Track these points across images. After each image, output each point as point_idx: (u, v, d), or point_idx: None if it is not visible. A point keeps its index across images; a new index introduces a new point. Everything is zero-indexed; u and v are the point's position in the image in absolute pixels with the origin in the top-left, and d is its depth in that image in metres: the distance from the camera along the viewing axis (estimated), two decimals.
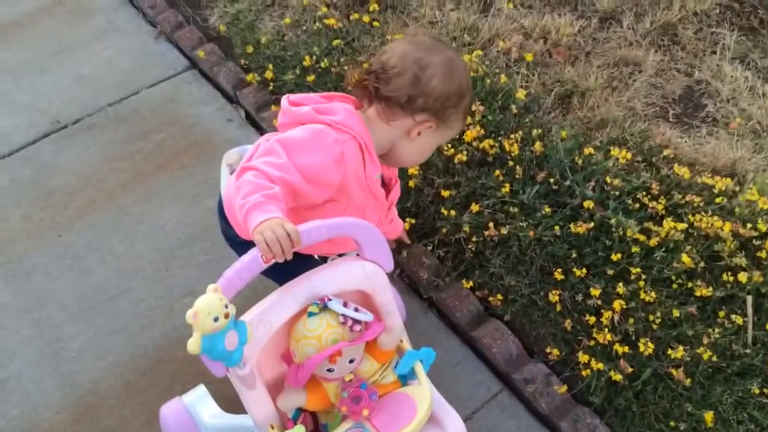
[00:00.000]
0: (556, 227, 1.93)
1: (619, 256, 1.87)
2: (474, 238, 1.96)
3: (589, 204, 1.96)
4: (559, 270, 1.86)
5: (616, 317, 1.78)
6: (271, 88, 2.55)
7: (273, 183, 1.35)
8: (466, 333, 1.93)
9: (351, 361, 1.33)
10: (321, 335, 1.28)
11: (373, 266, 1.40)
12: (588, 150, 2.11)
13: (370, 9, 2.70)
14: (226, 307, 1.20)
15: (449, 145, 2.12)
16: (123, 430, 1.80)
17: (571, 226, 1.93)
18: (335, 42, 2.54)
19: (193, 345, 1.18)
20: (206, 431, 1.63)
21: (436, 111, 1.51)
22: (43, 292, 2.10)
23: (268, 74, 2.54)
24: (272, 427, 1.35)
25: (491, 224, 1.94)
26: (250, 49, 2.68)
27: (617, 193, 2.00)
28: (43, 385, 1.90)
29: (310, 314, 1.30)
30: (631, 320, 1.78)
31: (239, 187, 1.34)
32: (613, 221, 1.92)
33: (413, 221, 2.06)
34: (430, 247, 2.04)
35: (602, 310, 1.79)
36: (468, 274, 1.97)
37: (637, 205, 1.99)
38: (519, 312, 1.89)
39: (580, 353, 1.74)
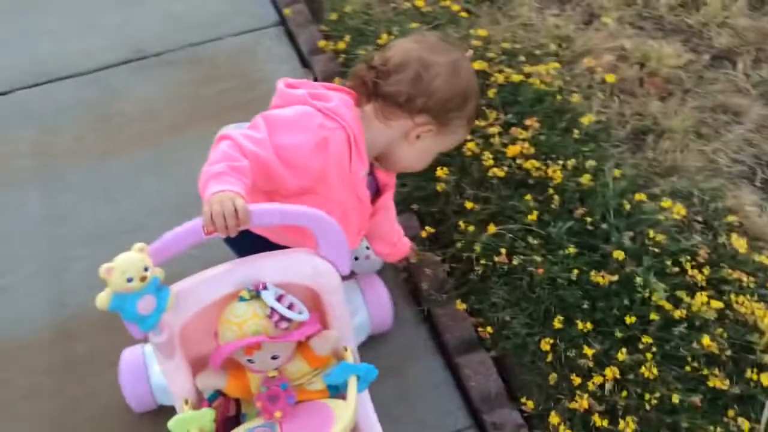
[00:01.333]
0: (575, 270, 1.75)
1: (633, 319, 1.67)
2: (483, 261, 1.81)
3: (619, 254, 1.76)
4: (560, 318, 1.68)
5: (608, 385, 1.59)
6: (341, 59, 2.48)
7: (244, 156, 1.29)
8: (452, 357, 1.80)
9: (274, 358, 1.25)
10: (243, 323, 1.21)
11: (326, 265, 1.30)
12: (640, 196, 1.89)
13: None
14: (146, 270, 1.15)
15: (489, 156, 1.97)
16: (92, 362, 1.82)
17: (592, 273, 1.74)
18: (413, 25, 2.43)
19: (102, 300, 1.14)
20: (151, 386, 1.61)
21: (437, 114, 1.41)
22: (68, 211, 2.16)
23: (341, 45, 2.47)
24: (186, 403, 1.31)
25: (504, 251, 1.79)
26: (334, 16, 2.62)
27: (657, 250, 1.79)
28: (36, 300, 1.96)
29: (241, 299, 1.24)
30: (624, 393, 1.59)
31: (210, 154, 1.30)
32: (639, 279, 1.71)
33: (433, 230, 1.94)
34: (441, 259, 1.91)
35: (593, 374, 1.60)
36: (468, 296, 1.83)
37: (677, 269, 1.77)
38: (509, 350, 1.73)
39: (553, 413, 1.56)
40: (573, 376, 1.60)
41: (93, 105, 2.48)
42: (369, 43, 2.45)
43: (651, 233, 1.81)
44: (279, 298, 1.23)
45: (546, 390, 1.65)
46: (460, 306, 1.79)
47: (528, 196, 1.89)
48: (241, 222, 1.20)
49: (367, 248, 1.93)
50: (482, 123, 2.06)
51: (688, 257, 1.78)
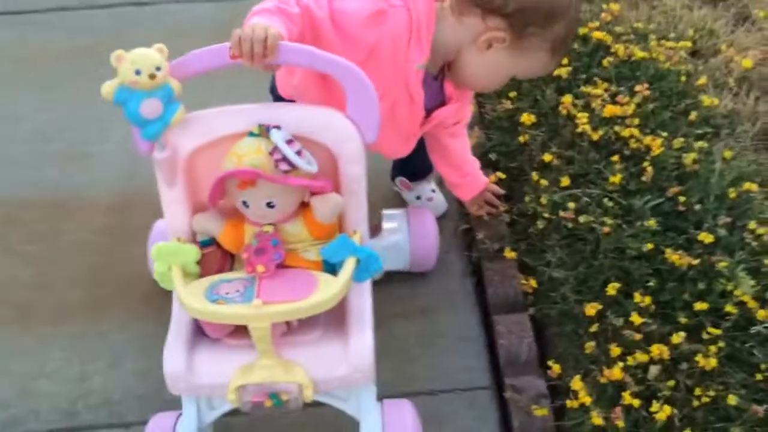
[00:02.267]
0: (649, 245, 1.52)
1: (705, 306, 1.41)
2: (547, 215, 1.62)
3: (707, 237, 1.51)
4: (616, 285, 1.45)
5: (654, 369, 1.34)
6: None
7: (299, 5, 1.24)
8: (489, 314, 1.62)
9: (270, 205, 1.16)
10: (243, 156, 1.13)
11: (351, 127, 1.20)
12: (750, 185, 1.62)
13: None
14: (158, 69, 1.11)
15: (585, 117, 1.78)
16: (138, 233, 1.81)
17: (668, 251, 1.50)
18: None
19: (106, 87, 1.12)
20: None
21: (514, 22, 1.27)
22: None
23: None
24: (178, 240, 1.25)
25: (572, 205, 1.59)
26: None
27: (757, 246, 1.52)
28: (109, 170, 2.02)
29: (250, 134, 1.16)
30: (672, 382, 1.33)
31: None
32: (724, 268, 1.45)
33: (503, 176, 1.78)
34: (505, 210, 1.74)
35: (637, 350, 1.36)
36: (522, 251, 1.64)
37: None
38: (553, 316, 1.53)
39: (576, 378, 1.34)
40: (613, 346, 1.36)
41: None
42: None
43: (752, 225, 1.54)
44: (288, 142, 1.15)
45: (580, 360, 1.43)
46: (509, 254, 1.61)
47: (616, 157, 1.68)
48: (269, 51, 1.13)
49: (433, 191, 1.82)
50: (587, 89, 1.88)
51: None
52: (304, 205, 1.21)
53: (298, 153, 1.14)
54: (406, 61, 1.32)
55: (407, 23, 1.29)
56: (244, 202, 1.17)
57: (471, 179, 1.69)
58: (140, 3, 2.66)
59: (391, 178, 1.83)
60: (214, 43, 1.18)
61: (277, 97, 1.51)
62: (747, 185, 1.63)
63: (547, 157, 1.72)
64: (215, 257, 1.26)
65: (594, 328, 1.44)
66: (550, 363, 1.44)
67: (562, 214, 1.59)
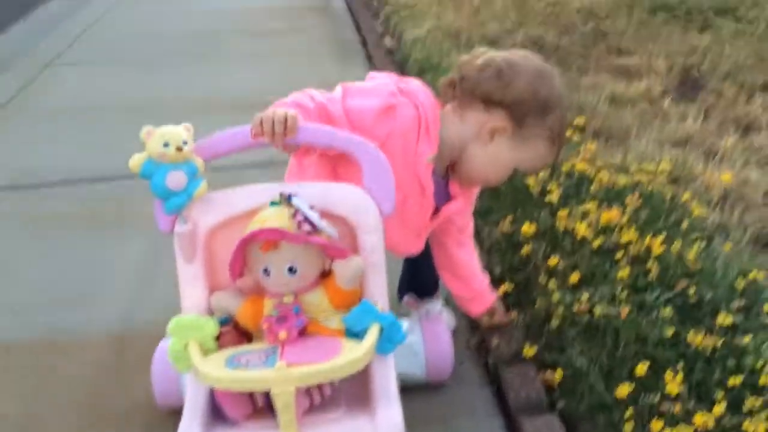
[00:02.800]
0: (670, 329, 1.49)
1: (739, 380, 1.36)
2: (561, 311, 1.60)
3: (726, 319, 1.49)
4: (645, 364, 1.40)
5: None
6: None
7: (315, 104, 1.31)
8: (515, 419, 1.53)
9: (292, 271, 1.15)
10: (267, 219, 1.15)
11: (368, 200, 1.23)
12: (756, 274, 1.64)
13: None
14: (185, 143, 1.16)
15: (583, 225, 1.83)
16: (135, 367, 1.73)
17: (690, 335, 1.48)
18: None
19: (134, 160, 1.16)
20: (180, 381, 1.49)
21: (514, 112, 1.37)
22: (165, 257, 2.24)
23: None
24: None
25: (585, 296, 1.58)
26: None
27: None
28: (109, 311, 1.98)
29: (272, 204, 1.18)
30: None
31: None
32: (747, 341, 1.42)
33: (512, 286, 1.78)
34: (517, 319, 1.72)
35: (679, 423, 1.28)
36: (541, 350, 1.60)
37: None
38: (583, 411, 1.45)
39: None
40: (654, 422, 1.28)
41: None
42: None
43: (767, 308, 1.54)
44: (310, 208, 1.17)
45: None
46: (528, 351, 1.56)
47: (619, 255, 1.71)
48: (289, 130, 1.19)
49: (440, 308, 1.81)
50: (580, 208, 1.96)
51: None
52: (324, 276, 1.20)
53: (320, 218, 1.16)
54: (416, 154, 1.38)
55: (416, 117, 1.37)
56: (266, 270, 1.16)
57: (480, 294, 1.68)
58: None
59: (398, 296, 1.82)
60: None
61: None
62: (753, 274, 1.65)
63: (552, 261, 1.74)
64: (232, 337, 1.21)
65: (629, 412, 1.36)
66: None
67: (576, 308, 1.58)
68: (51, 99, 3.60)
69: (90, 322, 1.93)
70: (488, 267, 1.91)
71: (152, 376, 1.54)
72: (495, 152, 1.41)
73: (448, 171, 1.49)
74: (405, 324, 1.59)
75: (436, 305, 1.80)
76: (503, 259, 1.91)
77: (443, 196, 1.51)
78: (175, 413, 1.53)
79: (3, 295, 2.06)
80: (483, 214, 2.13)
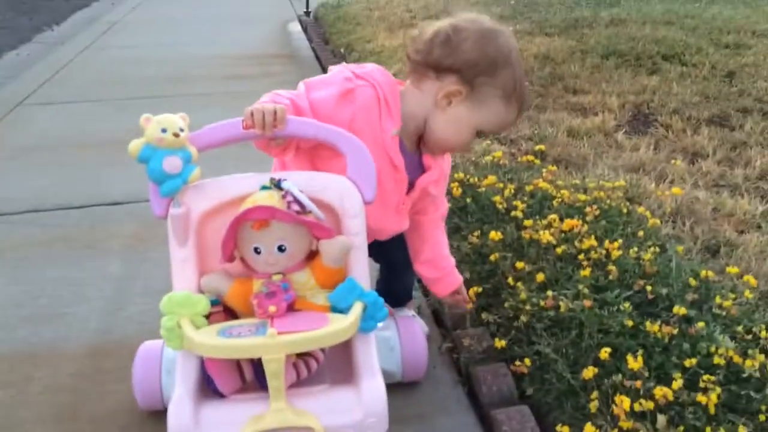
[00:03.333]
0: (630, 321, 1.59)
1: (694, 361, 1.46)
2: (528, 307, 1.70)
3: (680, 310, 1.60)
4: (608, 349, 1.49)
5: (661, 419, 1.34)
6: None
7: (287, 99, 1.39)
8: (487, 412, 1.60)
9: (281, 249, 1.22)
10: (258, 200, 1.22)
11: (352, 187, 1.32)
12: (707, 272, 1.76)
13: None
14: (181, 130, 1.24)
15: (547, 234, 1.95)
16: (113, 374, 1.77)
17: (648, 323, 1.58)
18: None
19: (134, 145, 1.23)
20: (161, 383, 1.54)
21: (465, 75, 1.42)
22: (142, 274, 2.28)
23: None
24: None
25: (550, 293, 1.68)
26: None
27: (728, 321, 1.61)
28: (87, 326, 2.01)
29: (263, 188, 1.26)
30: (681, 428, 1.32)
31: None
32: (701, 326, 1.53)
33: (480, 290, 1.87)
34: (486, 321, 1.80)
35: (642, 399, 1.36)
36: (510, 344, 1.68)
37: (750, 336, 1.57)
38: (551, 400, 1.53)
39: (588, 425, 1.32)
40: (618, 396, 1.37)
41: None
42: None
43: (718, 300, 1.66)
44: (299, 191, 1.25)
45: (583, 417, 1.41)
46: (499, 344, 1.64)
47: (582, 256, 1.82)
48: (278, 121, 1.28)
49: (413, 316, 1.88)
50: (544, 221, 2.08)
51: (763, 326, 1.59)
52: (311, 256, 1.27)
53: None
54: (382, 131, 1.45)
55: (374, 96, 1.45)
56: (256, 249, 1.23)
57: (448, 274, 1.72)
58: (113, 203, 2.82)
59: None
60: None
61: None
62: (704, 273, 1.77)
63: (519, 264, 1.84)
64: (221, 317, 1.27)
65: (594, 395, 1.44)
66: (558, 427, 1.41)
67: (542, 303, 1.67)
68: (20, 137, 3.62)
69: (68, 335, 1.96)
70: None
71: (133, 377, 1.57)
72: (454, 117, 1.46)
73: (419, 145, 1.55)
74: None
75: (408, 313, 1.88)
76: (472, 268, 2.00)
77: (417, 170, 1.56)
78: (154, 417, 1.58)
79: None
80: (452, 231, 2.23)
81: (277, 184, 1.25)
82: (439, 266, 1.70)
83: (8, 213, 2.74)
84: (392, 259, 1.74)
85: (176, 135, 1.23)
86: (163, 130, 1.22)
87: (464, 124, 1.48)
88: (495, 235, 1.96)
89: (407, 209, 1.58)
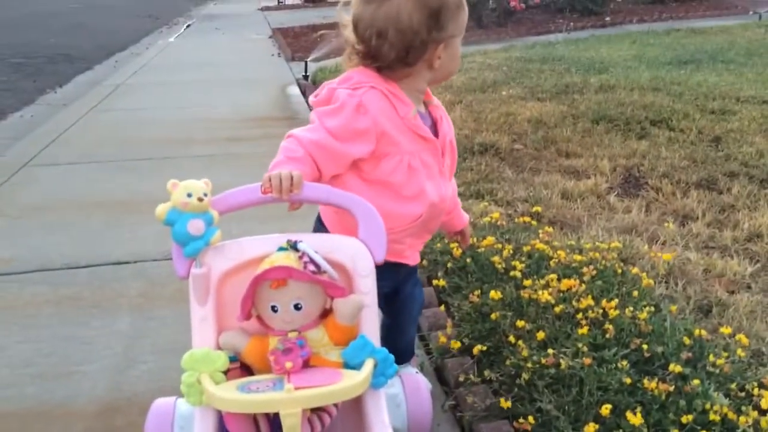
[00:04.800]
0: (628, 380, 1.65)
1: (690, 417, 1.51)
2: (530, 365, 1.75)
3: (676, 368, 1.66)
4: (608, 406, 1.55)
5: None
6: None
7: (302, 147, 1.47)
8: None
9: (297, 307, 1.29)
10: (275, 260, 1.30)
11: (363, 248, 1.40)
12: (700, 331, 1.83)
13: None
14: (205, 195, 1.32)
15: (546, 294, 2.02)
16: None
17: (645, 381, 1.64)
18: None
19: (161, 209, 1.30)
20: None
21: (435, 37, 1.49)
22: (149, 332, 2.33)
23: None
24: None
25: (551, 351, 1.74)
26: None
27: (721, 378, 1.68)
28: (97, 383, 2.06)
29: (280, 249, 1.34)
30: None
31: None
32: (696, 383, 1.59)
33: (484, 348, 1.92)
34: (489, 378, 1.86)
35: None
36: (513, 402, 1.73)
37: (743, 394, 1.63)
38: None
39: None
40: None
41: None
42: None
43: (711, 358, 1.72)
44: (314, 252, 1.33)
45: None
46: (504, 404, 1.69)
47: (580, 316, 1.88)
48: (294, 186, 1.37)
49: (417, 373, 1.93)
50: (542, 281, 2.15)
51: (755, 384, 1.65)
52: (325, 314, 1.34)
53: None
54: (402, 118, 1.53)
55: (380, 94, 1.52)
56: (273, 307, 1.30)
57: (455, 215, 1.80)
58: (119, 262, 2.88)
59: None
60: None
61: (320, 223, 1.67)
62: (698, 332, 1.84)
63: (519, 323, 1.91)
64: (238, 374, 1.33)
65: None
66: None
67: (543, 361, 1.73)
68: (26, 197, 3.70)
69: (78, 393, 2.00)
70: (459, 336, 2.06)
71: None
72: (446, 58, 1.55)
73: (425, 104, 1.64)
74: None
75: (411, 370, 1.93)
76: (473, 327, 2.06)
77: (431, 127, 1.63)
78: None
79: None
80: (453, 290, 2.30)
81: (293, 246, 1.33)
82: (453, 202, 1.76)
83: (17, 272, 2.79)
84: (401, 312, 1.80)
85: (200, 199, 1.31)
86: (189, 195, 1.31)
87: (456, 54, 1.58)
88: (495, 294, 2.03)
89: (447, 169, 1.64)
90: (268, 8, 16.52)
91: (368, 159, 1.52)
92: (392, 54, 1.49)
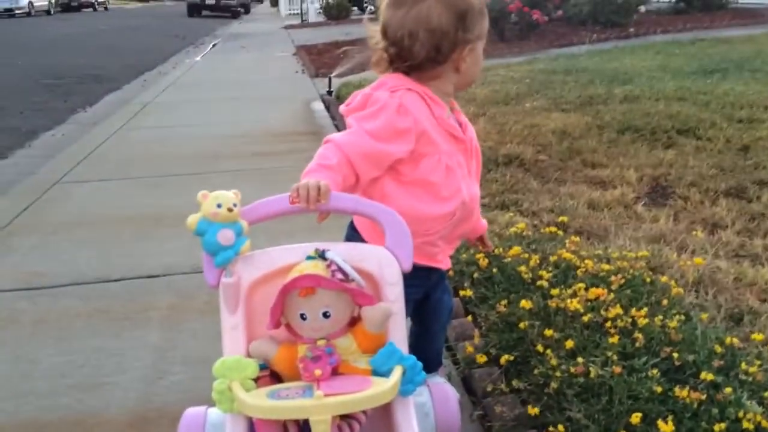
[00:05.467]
0: (658, 388, 1.64)
1: (723, 426, 1.49)
2: (558, 374, 1.74)
3: (707, 376, 1.65)
4: (638, 415, 1.53)
5: None
6: None
7: (340, 151, 1.48)
8: None
9: (326, 315, 1.31)
10: (304, 269, 1.31)
11: (390, 257, 1.41)
12: (731, 339, 1.81)
13: None
14: (235, 205, 1.34)
15: (575, 302, 2.01)
16: None
17: (677, 389, 1.62)
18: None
19: (192, 220, 1.33)
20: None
21: (462, 37, 1.52)
22: (178, 344, 2.36)
23: None
24: None
25: (580, 359, 1.73)
26: None
27: (754, 386, 1.65)
28: (127, 394, 2.08)
29: (308, 258, 1.36)
30: None
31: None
32: (729, 392, 1.57)
33: (511, 357, 1.92)
34: (517, 388, 1.85)
35: None
36: (542, 412, 1.72)
37: None
38: None
39: None
40: None
41: None
42: None
43: (744, 366, 1.70)
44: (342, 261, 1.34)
45: None
46: (532, 411, 1.69)
47: (609, 324, 1.87)
48: (322, 196, 1.39)
49: (444, 382, 1.93)
50: (569, 290, 2.14)
51: None
52: (353, 322, 1.35)
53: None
54: (438, 119, 1.56)
55: (418, 96, 1.55)
56: (302, 315, 1.31)
57: (478, 219, 1.79)
58: (149, 276, 2.93)
59: None
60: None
61: (354, 230, 1.69)
62: (729, 340, 1.82)
63: (548, 332, 1.90)
64: (268, 382, 1.34)
65: None
66: None
67: (572, 370, 1.72)
68: (58, 213, 3.77)
69: (111, 403, 2.03)
70: (486, 345, 2.06)
71: None
72: (470, 64, 1.57)
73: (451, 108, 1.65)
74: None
75: (440, 380, 1.93)
76: (501, 336, 2.06)
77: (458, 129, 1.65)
78: None
79: (27, 382, 2.15)
80: (480, 301, 2.30)
81: (321, 255, 1.35)
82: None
83: (51, 286, 2.85)
84: (431, 319, 1.81)
85: (230, 210, 1.33)
86: (219, 206, 1.33)
87: (479, 58, 1.61)
88: (525, 303, 2.02)
89: (474, 170, 1.67)
90: (292, 26, 16.74)
91: (407, 160, 1.54)
92: (423, 52, 1.52)
